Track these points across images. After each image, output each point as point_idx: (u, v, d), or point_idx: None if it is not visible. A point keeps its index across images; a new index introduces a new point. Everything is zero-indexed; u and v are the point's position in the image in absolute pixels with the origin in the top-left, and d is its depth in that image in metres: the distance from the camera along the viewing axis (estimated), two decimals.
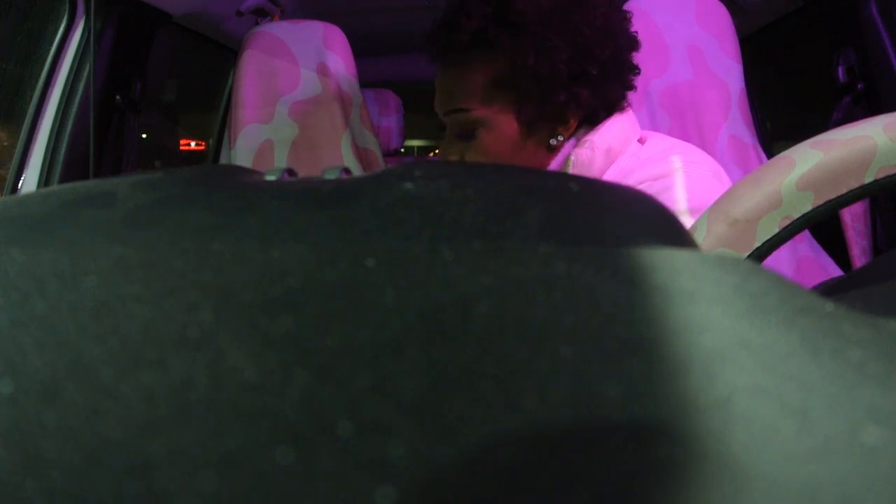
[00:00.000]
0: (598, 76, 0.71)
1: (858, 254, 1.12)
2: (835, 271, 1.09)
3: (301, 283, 0.12)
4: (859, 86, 1.14)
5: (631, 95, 0.77)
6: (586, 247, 0.13)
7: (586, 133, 0.74)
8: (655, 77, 1.22)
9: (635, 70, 0.75)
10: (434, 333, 0.11)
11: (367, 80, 1.76)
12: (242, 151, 1.40)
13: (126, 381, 0.11)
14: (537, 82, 0.70)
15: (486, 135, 0.72)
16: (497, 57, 0.70)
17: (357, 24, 1.68)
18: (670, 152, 0.72)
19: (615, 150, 0.73)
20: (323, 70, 1.41)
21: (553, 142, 0.73)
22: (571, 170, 0.71)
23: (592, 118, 0.74)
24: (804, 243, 1.10)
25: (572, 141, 0.75)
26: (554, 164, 0.74)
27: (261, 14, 1.68)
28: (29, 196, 0.17)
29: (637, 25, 1.25)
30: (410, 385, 0.11)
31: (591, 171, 0.72)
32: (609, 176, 0.73)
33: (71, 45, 1.22)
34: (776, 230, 0.36)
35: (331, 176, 0.18)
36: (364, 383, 0.11)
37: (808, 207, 0.35)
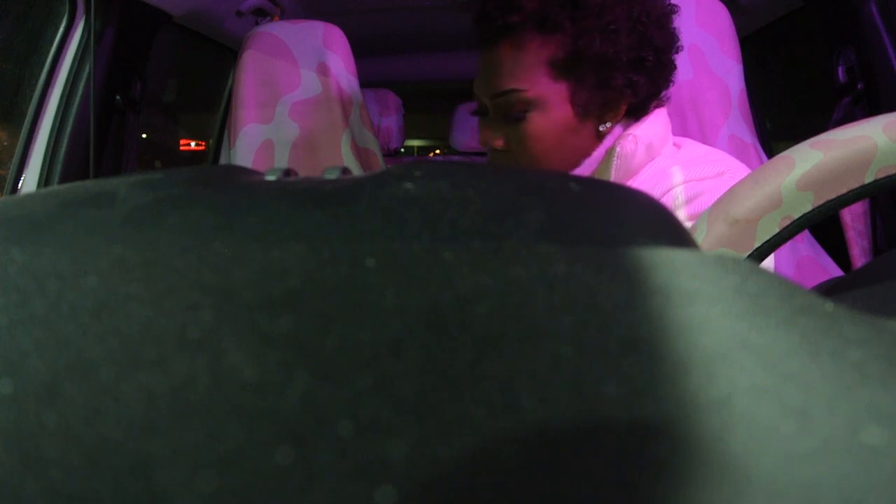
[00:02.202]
0: (653, 64, 0.71)
1: (858, 254, 1.12)
2: (835, 271, 1.09)
3: (301, 283, 0.12)
4: (859, 86, 1.14)
5: None
6: (586, 247, 0.13)
7: (629, 125, 0.75)
8: None
9: (675, 67, 0.75)
10: (434, 333, 0.11)
11: (367, 80, 1.76)
12: (242, 151, 1.40)
13: (126, 381, 0.11)
14: (597, 65, 0.69)
15: (538, 117, 0.70)
16: (556, 38, 0.69)
17: (357, 24, 1.68)
18: (712, 157, 0.73)
19: (655, 148, 0.73)
20: (323, 70, 1.41)
21: (602, 128, 0.73)
22: (615, 161, 0.71)
23: (638, 109, 0.75)
24: (804, 243, 1.10)
25: (618, 129, 0.74)
26: (597, 153, 0.74)
27: (261, 14, 1.68)
28: (29, 196, 0.17)
29: None
30: (410, 385, 0.11)
31: (632, 165, 0.72)
32: (647, 173, 0.73)
33: (71, 45, 1.22)
34: (776, 230, 0.36)
35: (331, 176, 0.18)
36: (364, 383, 0.11)
37: (808, 207, 0.35)
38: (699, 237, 0.36)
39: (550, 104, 0.70)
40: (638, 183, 0.73)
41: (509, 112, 0.71)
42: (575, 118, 0.71)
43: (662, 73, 0.73)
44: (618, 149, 0.71)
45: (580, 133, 0.72)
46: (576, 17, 0.68)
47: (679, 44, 0.74)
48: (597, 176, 0.73)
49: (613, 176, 0.72)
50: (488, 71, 0.72)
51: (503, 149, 0.72)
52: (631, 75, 0.70)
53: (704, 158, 0.72)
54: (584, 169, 0.74)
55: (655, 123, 0.74)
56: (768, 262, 0.64)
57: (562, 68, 0.70)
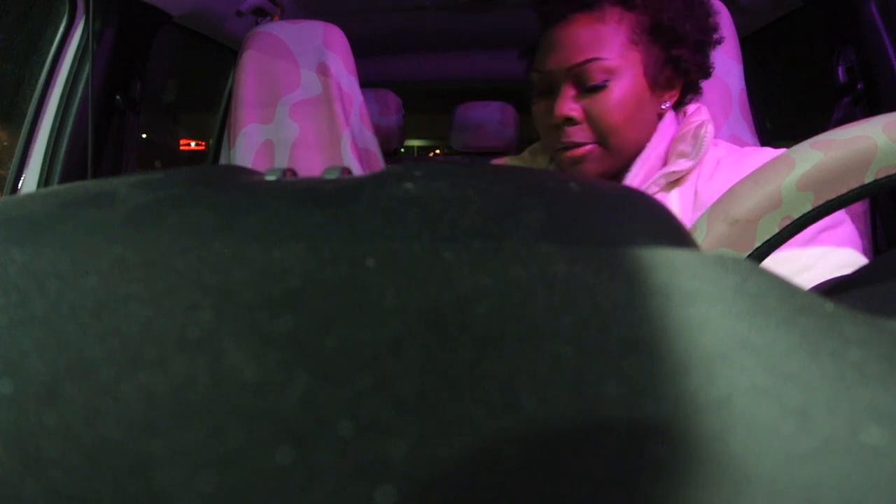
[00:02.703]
0: (709, 46, 0.76)
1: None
2: None
3: (301, 283, 0.12)
4: (859, 86, 1.14)
5: None
6: (586, 247, 0.13)
7: (679, 110, 0.79)
8: None
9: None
10: (434, 333, 0.11)
11: (367, 80, 1.76)
12: (242, 151, 1.40)
13: (126, 381, 0.11)
14: (670, 41, 0.74)
15: (618, 85, 0.73)
16: (635, 12, 0.74)
17: (357, 24, 1.68)
18: (761, 149, 0.77)
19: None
20: (323, 70, 1.41)
21: (663, 106, 0.77)
22: (705, 141, 0.74)
23: (686, 94, 0.79)
24: None
25: (672, 113, 0.79)
26: (665, 131, 0.76)
27: (261, 14, 1.68)
28: (29, 196, 0.17)
29: None
30: (410, 385, 0.11)
31: (707, 150, 0.75)
32: (725, 161, 0.75)
33: (71, 45, 1.22)
34: (776, 230, 0.36)
35: (331, 176, 0.18)
36: (364, 383, 0.11)
37: (808, 207, 0.35)
38: (699, 237, 0.36)
39: (629, 74, 0.73)
40: (722, 169, 0.75)
41: (589, 82, 0.73)
42: (647, 90, 0.74)
43: (707, 60, 0.78)
44: (705, 132, 0.74)
45: (648, 108, 0.75)
46: None
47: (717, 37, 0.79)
48: (676, 156, 0.75)
49: (701, 152, 0.74)
50: (563, 44, 0.74)
51: (579, 120, 0.74)
52: (693, 55, 0.75)
53: (755, 150, 0.77)
54: (656, 147, 0.76)
55: (702, 112, 0.79)
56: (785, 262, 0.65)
57: (638, 41, 0.73)
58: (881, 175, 0.35)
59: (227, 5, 1.54)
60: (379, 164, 1.45)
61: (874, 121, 0.36)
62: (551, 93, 0.76)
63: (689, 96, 0.80)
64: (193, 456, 0.11)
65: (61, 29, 1.21)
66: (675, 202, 0.75)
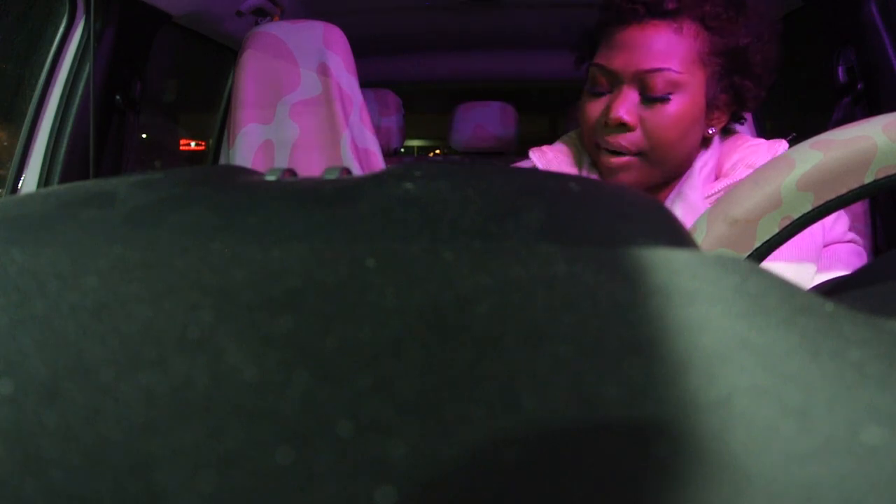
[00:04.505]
0: (769, 81, 0.76)
1: None
2: None
3: (301, 283, 0.12)
4: (859, 86, 1.14)
5: None
6: (586, 247, 0.13)
7: (724, 138, 0.79)
8: None
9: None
10: (434, 333, 0.11)
11: (367, 80, 1.76)
12: (242, 151, 1.40)
13: (126, 381, 0.11)
14: (738, 68, 0.73)
15: (680, 99, 0.72)
16: (710, 32, 0.73)
17: (357, 24, 1.68)
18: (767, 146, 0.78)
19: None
20: (323, 70, 1.41)
21: (710, 131, 0.76)
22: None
23: (735, 119, 0.79)
24: None
25: (717, 139, 0.78)
26: (709, 157, 0.76)
27: (261, 14, 1.68)
28: (29, 196, 0.17)
29: None
30: (410, 385, 0.11)
31: None
32: None
33: (71, 45, 1.22)
34: (776, 230, 0.36)
35: (331, 176, 0.18)
36: (364, 383, 0.11)
37: (807, 207, 0.35)
38: (699, 237, 0.36)
39: (691, 91, 0.72)
40: None
41: (653, 91, 0.71)
42: (702, 111, 0.74)
43: (763, 94, 0.77)
44: (783, 147, 0.74)
45: (698, 129, 0.75)
46: (736, 18, 0.72)
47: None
48: (744, 167, 0.74)
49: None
50: (635, 46, 0.72)
51: (633, 127, 0.72)
52: (755, 87, 0.75)
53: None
54: (705, 166, 0.76)
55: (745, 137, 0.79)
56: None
57: (707, 61, 0.72)
58: (881, 175, 0.35)
59: (227, 5, 1.54)
60: (379, 164, 1.45)
61: (874, 121, 0.36)
62: (609, 91, 0.74)
63: (732, 123, 0.80)
64: (193, 456, 0.11)
65: (61, 29, 1.21)
66: None
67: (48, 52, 1.21)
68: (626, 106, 0.72)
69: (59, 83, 1.21)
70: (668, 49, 0.72)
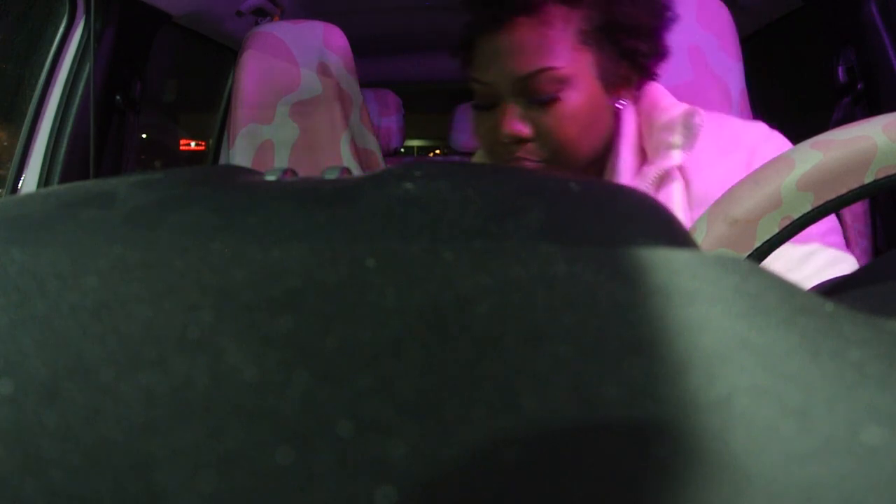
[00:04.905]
0: (664, 27, 0.69)
1: (858, 254, 1.12)
2: None
3: (301, 283, 0.12)
4: (859, 86, 1.14)
5: None
6: (586, 247, 0.13)
7: (638, 101, 0.72)
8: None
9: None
10: (434, 333, 0.11)
11: (367, 80, 1.76)
12: (242, 151, 1.40)
13: (126, 381, 0.11)
14: (622, 33, 0.66)
15: (572, 95, 0.65)
16: (581, 8, 0.66)
17: (357, 24, 1.68)
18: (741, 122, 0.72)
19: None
20: (323, 70, 1.41)
21: (619, 105, 0.70)
22: (699, 132, 0.67)
23: (644, 81, 0.71)
24: None
25: (630, 108, 0.71)
26: (626, 130, 0.70)
27: (261, 14, 1.68)
28: (29, 196, 0.17)
29: None
30: (410, 385, 0.11)
31: (698, 139, 0.68)
32: (710, 140, 0.69)
33: (71, 45, 1.22)
34: (776, 230, 0.36)
35: (331, 176, 0.18)
36: (364, 383, 0.11)
37: (807, 207, 0.35)
38: (699, 237, 0.36)
39: (582, 80, 0.65)
40: (710, 149, 0.69)
41: (539, 95, 0.64)
42: (601, 93, 0.67)
43: (662, 43, 0.70)
44: (697, 121, 0.67)
45: (603, 112, 0.68)
46: None
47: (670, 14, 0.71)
48: (663, 147, 0.68)
49: (695, 143, 0.67)
50: (505, 53, 0.65)
51: (529, 138, 0.66)
52: (649, 45, 0.68)
53: (742, 123, 0.71)
54: (624, 149, 0.69)
55: (667, 95, 0.71)
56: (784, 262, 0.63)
57: (588, 40, 0.66)
58: (881, 175, 0.35)
59: (227, 5, 1.54)
60: (379, 164, 1.45)
61: (874, 121, 0.36)
62: (495, 106, 0.68)
63: (643, 83, 0.72)
64: (193, 456, 0.11)
65: (61, 29, 1.21)
66: (672, 199, 0.68)
67: (48, 52, 1.21)
68: (514, 119, 0.65)
69: (59, 83, 1.21)
70: (541, 46, 0.64)
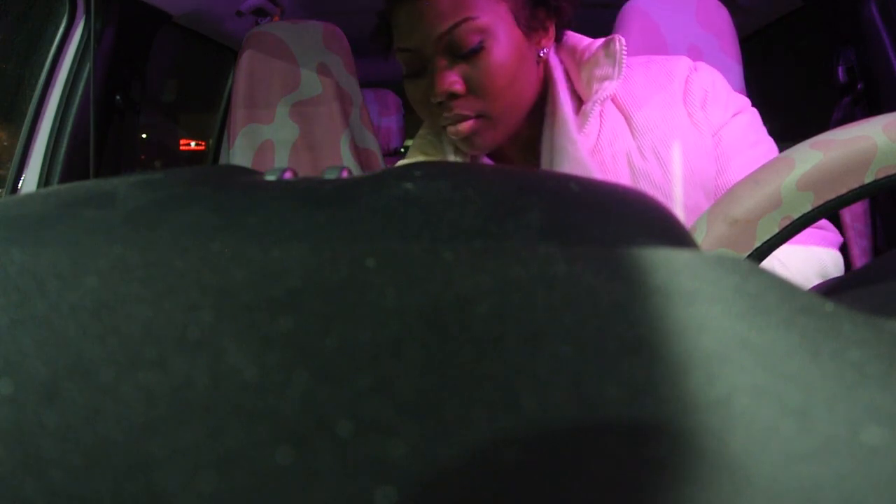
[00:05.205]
0: None
1: (858, 254, 1.12)
2: None
3: (301, 283, 0.12)
4: (859, 86, 1.14)
5: None
6: (586, 247, 0.13)
7: (560, 51, 0.74)
8: None
9: None
10: (434, 333, 0.11)
11: (367, 80, 1.76)
12: (242, 151, 1.40)
13: (126, 381, 0.11)
14: None
15: (493, 44, 0.66)
16: None
17: (357, 24, 1.68)
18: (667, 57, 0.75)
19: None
20: (323, 70, 1.41)
21: (542, 53, 0.72)
22: (623, 57, 0.69)
23: (561, 28, 0.74)
24: None
25: (553, 56, 0.73)
26: (559, 71, 0.72)
27: (261, 14, 1.68)
28: (29, 196, 0.17)
29: (637, 25, 1.25)
30: (410, 385, 0.11)
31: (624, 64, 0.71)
32: (640, 71, 0.72)
33: (71, 45, 1.22)
34: (776, 230, 0.36)
35: (331, 176, 0.18)
36: (364, 383, 0.11)
37: (807, 207, 0.36)
38: (699, 237, 0.36)
39: (502, 28, 0.67)
40: (642, 80, 0.72)
41: (463, 48, 0.66)
42: (523, 41, 0.69)
43: None
44: (621, 41, 0.70)
45: (528, 60, 0.70)
46: None
47: None
48: (597, 81, 0.70)
49: (622, 69, 0.69)
50: (422, 13, 0.67)
51: (461, 92, 0.67)
52: None
53: (669, 58, 0.74)
54: (560, 92, 0.72)
55: (585, 38, 0.74)
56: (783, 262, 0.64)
57: None
58: (881, 175, 0.35)
59: (227, 5, 1.54)
60: (379, 164, 1.45)
61: (874, 121, 0.36)
62: (424, 70, 0.69)
63: (562, 32, 0.74)
64: (193, 456, 0.11)
65: (61, 29, 1.21)
66: (616, 132, 0.70)
67: (48, 52, 1.21)
68: (446, 76, 0.67)
69: (59, 83, 1.21)
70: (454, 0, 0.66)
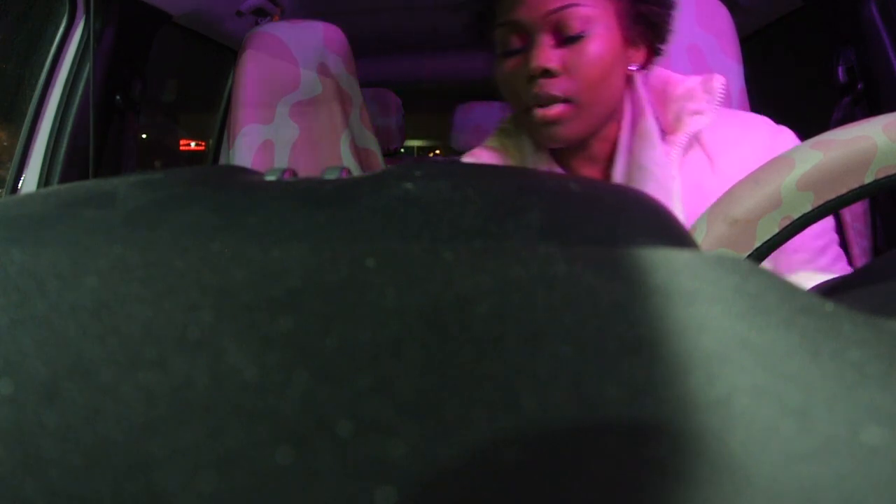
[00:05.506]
0: (672, 10, 0.74)
1: (858, 254, 1.12)
2: None
3: (301, 283, 0.12)
4: (859, 86, 1.14)
5: None
6: (586, 247, 0.13)
7: (646, 76, 0.76)
8: None
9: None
10: (434, 333, 0.11)
11: (367, 80, 1.76)
12: (242, 151, 1.40)
13: (126, 381, 0.11)
14: None
15: (595, 37, 0.68)
16: None
17: (357, 24, 1.68)
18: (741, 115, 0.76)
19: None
20: (323, 70, 1.41)
21: (631, 68, 0.73)
22: (720, 95, 0.70)
23: (652, 55, 0.76)
24: None
25: (641, 77, 0.75)
26: (644, 95, 0.73)
27: (261, 14, 1.68)
28: (29, 196, 0.17)
29: None
30: (410, 385, 0.11)
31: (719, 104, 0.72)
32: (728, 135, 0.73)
33: (71, 45, 1.22)
34: (776, 230, 0.36)
35: (331, 176, 0.18)
36: (364, 383, 0.11)
37: (807, 207, 0.35)
38: (699, 237, 0.36)
39: (604, 25, 0.69)
40: (729, 127, 0.72)
41: (568, 31, 0.68)
42: (620, 47, 0.71)
43: (670, 24, 0.75)
44: (720, 80, 0.71)
45: (620, 66, 0.71)
46: None
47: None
48: (687, 115, 0.71)
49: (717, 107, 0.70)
50: None
51: (558, 72, 0.69)
52: (662, 13, 0.72)
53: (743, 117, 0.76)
54: (642, 112, 0.73)
55: (675, 74, 0.75)
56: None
57: None
58: (881, 175, 0.35)
59: (227, 5, 1.54)
60: (379, 164, 1.45)
61: (874, 121, 0.36)
62: (522, 47, 0.71)
63: (653, 60, 0.76)
64: (193, 456, 0.11)
65: (61, 29, 1.21)
66: (699, 166, 0.71)
67: (48, 52, 1.21)
68: (546, 52, 0.68)
69: (59, 83, 1.21)
70: None
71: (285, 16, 1.75)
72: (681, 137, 0.71)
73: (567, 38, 0.69)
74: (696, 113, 0.71)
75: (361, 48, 1.59)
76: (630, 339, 0.11)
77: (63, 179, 1.20)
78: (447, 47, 2.15)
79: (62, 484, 0.11)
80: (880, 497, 0.10)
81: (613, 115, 0.74)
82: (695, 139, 0.72)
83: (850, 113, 1.16)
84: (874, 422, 0.10)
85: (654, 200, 0.17)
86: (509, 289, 0.12)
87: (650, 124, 0.73)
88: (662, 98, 0.75)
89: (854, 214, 1.12)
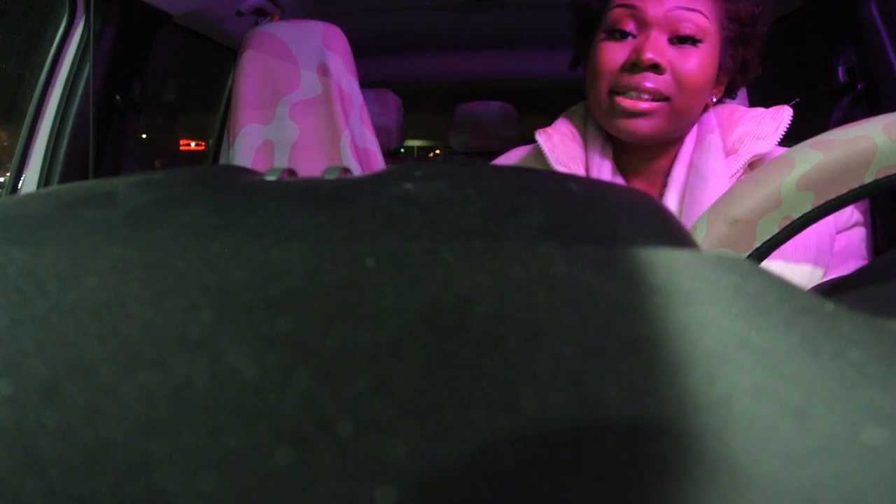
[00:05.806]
0: (759, 56, 0.77)
1: None
2: None
3: (301, 283, 0.12)
4: (859, 86, 1.14)
5: None
6: (586, 247, 0.13)
7: (719, 111, 0.78)
8: None
9: None
10: (434, 333, 0.11)
11: (367, 80, 1.76)
12: (242, 151, 1.40)
13: (126, 381, 0.11)
14: (742, 38, 0.73)
15: (706, 47, 0.70)
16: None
17: (357, 24, 1.68)
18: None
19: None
20: (323, 70, 1.41)
21: (711, 99, 0.75)
22: (785, 126, 0.72)
23: (728, 94, 0.78)
24: None
25: (712, 110, 0.77)
26: (713, 123, 0.75)
27: (261, 14, 1.68)
28: (29, 196, 0.17)
29: None
30: (410, 385, 0.11)
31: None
32: None
33: (71, 45, 1.22)
34: (776, 230, 0.36)
35: (331, 176, 0.18)
36: (364, 383, 0.11)
37: (807, 207, 0.36)
38: (699, 237, 0.36)
39: (712, 44, 0.71)
40: None
41: (684, 31, 0.69)
42: (715, 69, 0.72)
43: (757, 70, 0.77)
44: (788, 112, 0.73)
45: (707, 90, 0.73)
46: None
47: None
48: (752, 138, 0.73)
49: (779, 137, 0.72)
50: None
51: (662, 69, 0.70)
52: (753, 60, 0.75)
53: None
54: (709, 133, 0.75)
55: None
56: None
57: (723, 23, 0.72)
58: (881, 175, 0.35)
59: (227, 5, 1.54)
60: (379, 164, 1.45)
61: (874, 121, 0.36)
62: (633, 34, 0.71)
63: (726, 97, 0.80)
64: (193, 456, 0.11)
65: (61, 29, 1.21)
66: None
67: (48, 52, 1.21)
68: (658, 47, 0.69)
69: (59, 83, 1.21)
70: None
71: (285, 16, 1.75)
72: (742, 157, 0.73)
73: (679, 38, 0.70)
74: (760, 138, 0.73)
75: (361, 48, 1.59)
76: (630, 339, 0.11)
77: (63, 179, 1.20)
78: (447, 47, 2.15)
79: (62, 484, 0.11)
80: (880, 497, 0.10)
81: (685, 130, 0.75)
82: (757, 161, 0.73)
83: (850, 113, 1.16)
84: (874, 422, 0.10)
85: (654, 200, 0.17)
86: (509, 289, 0.12)
87: (715, 140, 0.75)
88: (728, 123, 0.77)
89: None
